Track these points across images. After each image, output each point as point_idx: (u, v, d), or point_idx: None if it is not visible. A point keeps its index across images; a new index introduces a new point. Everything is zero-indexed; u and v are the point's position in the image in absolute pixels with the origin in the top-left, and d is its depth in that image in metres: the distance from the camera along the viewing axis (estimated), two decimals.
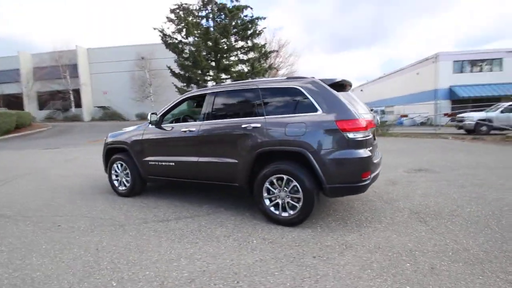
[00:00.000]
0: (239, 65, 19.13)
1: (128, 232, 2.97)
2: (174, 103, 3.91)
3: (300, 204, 2.86)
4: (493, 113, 13.01)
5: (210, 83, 19.65)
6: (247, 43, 19.35)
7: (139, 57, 29.06)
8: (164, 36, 19.05)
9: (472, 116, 13.41)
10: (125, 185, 4.27)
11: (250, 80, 3.42)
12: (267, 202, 3.05)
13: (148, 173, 3.98)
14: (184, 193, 4.39)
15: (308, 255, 2.38)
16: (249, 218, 3.25)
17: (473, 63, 23.30)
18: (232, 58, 19.32)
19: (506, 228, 2.80)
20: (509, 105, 12.85)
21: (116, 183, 4.36)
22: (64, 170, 6.93)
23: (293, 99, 3.03)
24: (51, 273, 2.22)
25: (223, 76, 18.81)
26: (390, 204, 3.64)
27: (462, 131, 13.96)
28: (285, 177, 2.90)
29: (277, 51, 20.96)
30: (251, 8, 18.71)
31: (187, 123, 3.83)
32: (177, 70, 18.77)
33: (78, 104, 30.35)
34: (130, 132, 4.20)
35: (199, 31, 18.03)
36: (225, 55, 18.59)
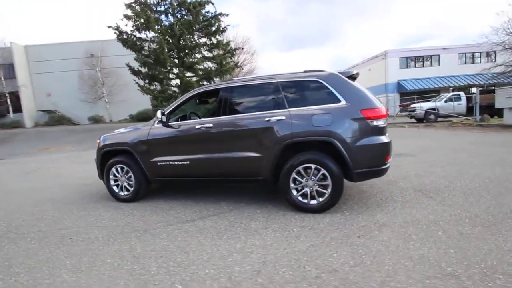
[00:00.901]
0: (205, 62, 18.71)
1: (157, 236, 2.81)
2: (183, 99, 3.76)
3: (329, 190, 3.01)
4: (439, 103, 14.85)
5: (174, 81, 18.95)
6: (210, 40, 19.00)
7: (87, 54, 26.65)
8: (120, 33, 17.75)
9: (422, 106, 15.12)
10: (127, 190, 3.98)
11: (266, 74, 3.46)
12: (294, 192, 3.14)
13: (156, 175, 3.78)
14: (192, 192, 4.25)
15: (352, 236, 2.54)
16: (274, 210, 3.30)
17: (416, 59, 26.27)
18: (197, 56, 18.81)
19: (496, 196, 3.31)
20: (451, 95, 14.78)
21: (116, 188, 4.04)
22: (31, 182, 6.15)
23: (314, 91, 3.16)
24: (98, 287, 2.03)
25: (189, 74, 18.25)
26: (393, 185, 4.00)
27: (413, 120, 15.65)
28: (313, 166, 3.02)
29: (242, 48, 21.03)
30: (213, 4, 18.40)
31: (203, 119, 3.71)
32: (139, 68, 17.66)
33: (18, 109, 26.69)
34: (131, 133, 3.92)
35: (160, 27, 17.20)
36: (190, 52, 18.03)
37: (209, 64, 19.20)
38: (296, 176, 3.11)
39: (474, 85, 21.61)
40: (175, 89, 18.50)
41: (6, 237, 3.04)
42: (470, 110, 14.18)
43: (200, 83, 18.78)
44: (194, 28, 16.87)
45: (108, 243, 2.72)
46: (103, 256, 2.47)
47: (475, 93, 13.23)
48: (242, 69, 21.12)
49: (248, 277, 2.01)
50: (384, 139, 2.95)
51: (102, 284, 2.05)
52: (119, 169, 3.97)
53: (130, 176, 3.92)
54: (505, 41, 17.35)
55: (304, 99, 3.17)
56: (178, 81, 18.57)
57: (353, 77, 3.28)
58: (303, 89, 3.20)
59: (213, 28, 18.12)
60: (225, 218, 3.17)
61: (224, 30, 18.53)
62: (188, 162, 3.53)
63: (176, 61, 18.33)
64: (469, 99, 14.61)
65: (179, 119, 4.00)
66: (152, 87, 17.93)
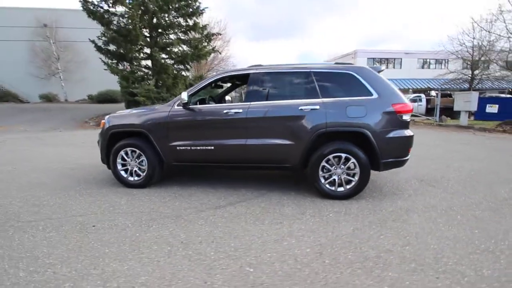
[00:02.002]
0: (180, 45, 17.79)
1: (194, 222, 2.72)
2: (207, 82, 3.60)
3: (356, 179, 3.19)
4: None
5: (144, 62, 17.75)
6: (187, 21, 18.06)
7: (40, 23, 23.55)
8: (85, 2, 15.98)
9: None
10: (138, 175, 3.73)
11: (299, 63, 3.46)
12: (322, 180, 3.26)
13: (174, 160, 3.59)
14: (204, 178, 4.14)
15: (387, 220, 2.74)
16: (300, 196, 3.39)
17: (382, 61, 28.19)
18: (172, 37, 17.79)
19: (488, 185, 3.80)
20: (414, 97, 16.22)
21: (124, 173, 3.76)
22: (1, 165, 5.39)
23: (347, 83, 3.26)
24: (160, 275, 1.92)
25: (163, 55, 17.22)
26: (396, 176, 4.35)
27: None
28: (343, 155, 3.16)
29: (220, 34, 20.29)
30: None
31: (232, 104, 3.59)
32: (106, 45, 16.16)
33: None
34: (146, 114, 3.65)
35: (132, 1, 15.84)
36: (163, 32, 16.97)
37: (184, 47, 18.29)
38: (326, 164, 3.23)
39: (432, 89, 24.02)
40: (147, 70, 17.39)
41: (10, 226, 2.68)
42: (428, 111, 15.77)
43: (176, 66, 17.92)
44: (170, 7, 15.86)
45: (143, 230, 2.56)
46: (145, 243, 2.33)
47: (434, 96, 14.71)
48: (220, 53, 20.45)
49: (314, 258, 2.08)
50: (409, 132, 3.19)
51: (164, 271, 1.95)
52: (129, 152, 3.68)
53: (142, 161, 3.67)
54: (458, 51, 19.47)
55: (337, 90, 3.26)
56: (150, 62, 17.45)
57: (379, 72, 3.46)
58: (336, 81, 3.28)
59: (190, 10, 17.24)
60: (255, 204, 3.17)
61: (202, 13, 17.73)
62: (212, 147, 3.42)
63: (149, 40, 17.13)
64: (428, 101, 16.23)
65: (197, 103, 3.82)
66: (120, 67, 16.57)
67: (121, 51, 16.17)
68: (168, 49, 17.46)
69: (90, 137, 9.36)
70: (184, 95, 3.37)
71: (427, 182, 3.99)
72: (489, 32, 15.95)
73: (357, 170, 3.16)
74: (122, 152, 3.70)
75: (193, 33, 18.48)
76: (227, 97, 5.04)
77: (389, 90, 3.19)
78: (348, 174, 3.22)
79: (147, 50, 17.14)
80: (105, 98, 22.79)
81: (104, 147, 3.78)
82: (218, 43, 25.53)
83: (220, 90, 4.80)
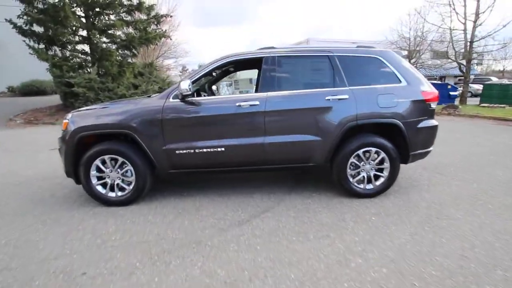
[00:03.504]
0: (125, 27, 15.65)
1: (224, 248, 2.13)
2: (209, 68, 2.88)
3: (386, 174, 2.94)
4: None
5: (81, 47, 15.24)
6: (130, 0, 15.96)
7: None
8: None
9: None
10: (122, 189, 2.91)
11: (320, 46, 2.97)
12: (350, 178, 2.93)
13: (172, 166, 2.86)
14: (200, 184, 3.48)
15: (432, 218, 2.54)
16: (325, 198, 3.02)
17: None
18: (113, 17, 15.53)
19: (482, 168, 3.96)
20: None
21: (101, 188, 2.89)
22: None
23: (374, 69, 2.93)
24: None
25: (104, 39, 14.98)
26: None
27: None
28: (373, 149, 2.86)
29: (171, 16, 18.36)
30: None
31: (244, 94, 2.96)
32: (29, 26, 13.33)
33: None
34: (129, 109, 2.79)
35: None
36: (104, 12, 14.69)
37: (130, 30, 16.18)
38: (354, 161, 2.90)
39: None
40: (85, 56, 15.00)
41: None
42: None
43: (121, 51, 15.84)
44: None
45: (161, 271, 1.89)
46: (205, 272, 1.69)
47: None
48: (171, 39, 18.61)
49: (399, 282, 1.73)
50: (436, 122, 3.03)
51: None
52: (107, 161, 2.82)
53: (128, 171, 2.86)
54: (397, 41, 21.25)
55: (364, 76, 2.91)
56: (88, 47, 15.06)
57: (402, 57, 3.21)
58: (363, 66, 2.92)
59: None
60: (283, 214, 2.69)
61: None
62: (223, 149, 2.79)
63: (84, 20, 14.66)
64: None
65: (194, 95, 3.09)
66: (51, 52, 13.93)
67: (51, 33, 13.54)
68: (110, 32, 15.23)
69: (23, 139, 7.57)
70: (185, 84, 2.63)
71: (434, 171, 3.94)
72: (424, 19, 17.52)
73: (387, 164, 2.91)
74: (97, 162, 2.81)
75: (138, 13, 16.44)
76: (213, 87, 4.33)
77: (416, 77, 2.96)
78: (377, 170, 2.95)
79: (84, 33, 14.70)
80: (31, 90, 19.11)
81: (70, 156, 2.83)
82: (166, 27, 23.41)
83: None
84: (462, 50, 15.83)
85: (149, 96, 3.12)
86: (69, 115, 2.91)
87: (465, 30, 14.61)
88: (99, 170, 2.86)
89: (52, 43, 14.17)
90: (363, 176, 2.94)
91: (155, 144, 2.79)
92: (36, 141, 7.09)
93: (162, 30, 16.32)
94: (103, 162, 2.84)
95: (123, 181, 2.90)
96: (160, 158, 2.83)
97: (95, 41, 14.05)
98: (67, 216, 2.70)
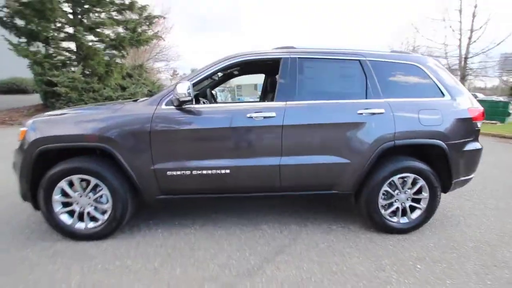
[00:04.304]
0: (115, 26, 14.91)
1: (285, 272, 1.52)
2: (215, 68, 2.30)
3: (424, 205, 2.42)
4: None
5: (66, 44, 14.37)
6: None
7: None
8: None
9: None
10: (95, 219, 2.26)
11: (348, 48, 2.46)
12: (381, 210, 2.40)
13: (162, 191, 2.24)
14: (198, 213, 2.86)
15: (488, 264, 2.02)
16: (349, 233, 2.45)
17: None
18: (102, 15, 14.77)
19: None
20: None
21: (66, 217, 2.23)
22: None
23: (412, 78, 2.43)
24: None
25: (92, 38, 14.18)
26: None
27: None
28: (411, 176, 2.35)
29: (164, 17, 17.72)
30: None
31: (256, 103, 2.40)
32: (11, 19, 12.44)
33: None
34: (108, 118, 2.16)
35: None
36: (93, 9, 13.93)
37: (119, 30, 15.43)
38: (388, 189, 2.37)
39: None
40: (70, 55, 14.17)
41: None
42: None
43: (108, 51, 15.08)
44: None
45: None
46: None
47: None
48: (164, 40, 17.92)
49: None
50: (479, 144, 2.56)
51: None
52: (76, 183, 2.18)
53: (102, 196, 2.21)
54: None
55: (400, 86, 2.41)
56: (74, 44, 14.23)
57: None
58: (399, 74, 2.42)
59: None
60: (304, 257, 2.10)
61: None
62: (228, 170, 2.19)
63: (71, 17, 13.86)
64: None
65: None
66: (33, 48, 13.01)
67: (33, 28, 12.65)
68: (98, 30, 14.45)
69: None
70: (183, 88, 2.03)
71: (454, 193, 3.47)
72: (417, 32, 17.69)
73: (426, 194, 2.39)
74: (62, 183, 2.16)
75: (129, 13, 15.76)
76: (213, 93, 3.74)
77: (461, 90, 2.48)
78: (413, 200, 2.43)
79: (70, 30, 13.87)
80: (10, 88, 17.89)
81: (27, 175, 2.16)
82: (158, 28, 22.75)
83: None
84: (456, 66, 15.98)
85: (135, 101, 2.51)
86: (30, 122, 2.25)
87: (460, 45, 14.76)
88: (64, 194, 2.20)
89: (34, 39, 13.26)
90: (397, 208, 2.42)
91: (141, 162, 2.17)
92: (4, 145, 6.25)
93: (154, 31, 15.70)
94: (71, 184, 2.20)
95: (96, 209, 2.25)
96: (146, 181, 2.21)
97: (80, 39, 13.22)
98: (16, 258, 2.02)
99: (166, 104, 2.19)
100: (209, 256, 2.08)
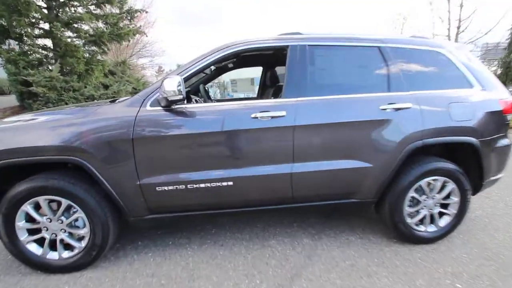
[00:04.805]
0: (93, 21, 14.07)
1: None
2: (210, 60, 1.90)
3: (453, 211, 2.14)
4: None
5: (41, 41, 13.49)
6: None
7: None
8: None
9: None
10: (70, 247, 1.86)
11: (363, 34, 2.11)
12: (408, 218, 2.10)
13: (151, 210, 1.86)
14: (194, 229, 2.49)
15: None
16: (372, 245, 2.15)
17: None
18: (80, 10, 13.90)
19: None
20: None
21: (35, 247, 1.82)
22: None
23: (437, 67, 2.12)
24: None
25: (69, 34, 13.35)
26: None
27: None
28: (440, 178, 2.05)
29: (146, 11, 16.85)
30: None
31: (261, 101, 2.02)
32: None
33: None
34: (80, 123, 1.75)
35: None
36: (69, 3, 13.06)
37: (99, 24, 14.60)
38: (414, 194, 2.07)
39: None
40: (47, 52, 13.31)
41: None
42: None
43: (87, 47, 14.28)
44: None
45: None
46: None
47: None
48: (146, 35, 17.05)
49: None
50: (508, 139, 2.28)
51: None
52: (43, 205, 1.77)
53: (78, 219, 1.81)
54: None
55: (425, 77, 2.08)
56: (50, 41, 13.36)
57: None
58: (423, 62, 2.10)
59: None
60: (326, 282, 1.78)
61: None
62: (230, 183, 1.83)
63: (46, 11, 12.97)
64: None
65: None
66: (5, 46, 12.11)
67: (4, 23, 11.75)
68: (76, 25, 13.61)
69: None
70: (172, 84, 1.63)
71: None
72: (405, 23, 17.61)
73: (456, 199, 2.11)
74: (26, 207, 1.75)
75: (109, 6, 14.91)
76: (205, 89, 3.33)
77: (491, 80, 2.19)
78: (441, 206, 2.14)
79: (46, 26, 12.99)
80: None
81: None
82: (141, 23, 21.81)
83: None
84: None
85: (113, 101, 2.09)
86: None
87: (449, 35, 14.72)
88: (30, 219, 1.79)
89: (6, 36, 12.36)
90: (424, 215, 2.12)
91: (122, 177, 1.77)
92: None
93: (136, 26, 14.92)
94: (37, 207, 1.78)
95: (70, 235, 1.85)
96: (131, 199, 1.82)
97: (57, 35, 12.38)
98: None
99: (152, 105, 1.80)
100: (212, 287, 1.73)
